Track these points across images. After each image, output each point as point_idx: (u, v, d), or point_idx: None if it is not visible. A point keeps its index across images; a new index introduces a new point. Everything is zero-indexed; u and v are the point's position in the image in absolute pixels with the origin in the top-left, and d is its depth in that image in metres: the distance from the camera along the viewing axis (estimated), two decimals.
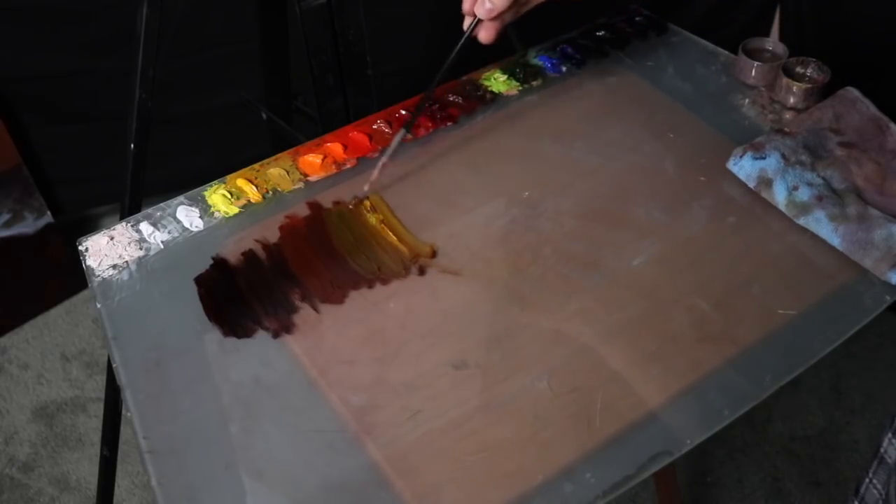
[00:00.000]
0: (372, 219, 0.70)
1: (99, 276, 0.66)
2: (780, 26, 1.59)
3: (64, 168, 1.51)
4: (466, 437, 0.55)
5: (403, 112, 0.80)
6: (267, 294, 0.64)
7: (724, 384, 0.58)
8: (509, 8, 0.68)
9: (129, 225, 0.70)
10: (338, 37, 0.86)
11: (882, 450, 0.66)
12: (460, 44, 0.70)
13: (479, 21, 0.69)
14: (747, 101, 0.83)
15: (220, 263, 0.67)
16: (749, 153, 0.73)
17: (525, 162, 0.76)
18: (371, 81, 0.91)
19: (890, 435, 0.65)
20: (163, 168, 1.17)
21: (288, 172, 0.75)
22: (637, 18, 0.94)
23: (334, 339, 0.62)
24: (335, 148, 0.77)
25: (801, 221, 0.69)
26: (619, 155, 0.77)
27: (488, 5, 0.67)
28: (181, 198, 0.72)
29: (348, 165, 0.76)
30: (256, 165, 0.75)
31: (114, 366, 0.60)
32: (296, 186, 0.74)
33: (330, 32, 0.85)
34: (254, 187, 0.73)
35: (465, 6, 0.70)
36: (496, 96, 0.83)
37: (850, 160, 0.73)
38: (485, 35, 0.70)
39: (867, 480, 0.68)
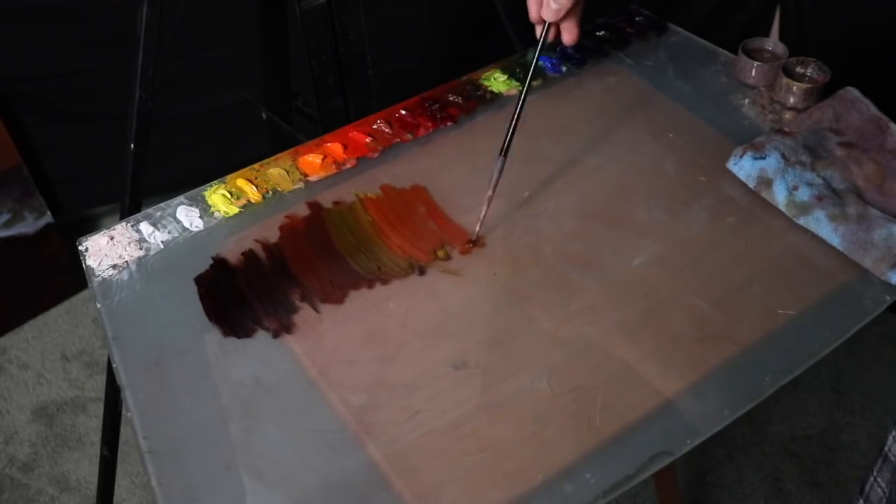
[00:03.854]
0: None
1: (99, 276, 0.66)
2: (780, 26, 1.59)
3: (64, 168, 1.51)
4: (466, 437, 0.55)
5: (403, 112, 0.80)
6: (267, 294, 0.64)
7: (724, 384, 0.58)
8: (576, 4, 0.66)
9: (129, 225, 0.70)
10: (338, 37, 0.86)
11: (886, 448, 0.66)
12: (536, 54, 0.69)
13: (551, 25, 0.68)
14: (747, 101, 0.83)
15: (220, 263, 0.67)
16: (749, 153, 0.73)
17: (525, 162, 0.76)
18: (371, 81, 0.91)
19: (894, 433, 0.65)
20: (163, 168, 1.17)
21: (288, 172, 0.75)
22: (637, 18, 0.94)
23: (334, 339, 0.62)
24: (335, 148, 0.77)
25: (801, 221, 0.69)
26: (619, 155, 0.77)
27: (554, 6, 0.66)
28: (181, 198, 0.72)
29: (348, 165, 0.76)
30: (256, 165, 0.75)
31: (114, 366, 0.60)
32: (296, 186, 0.74)
33: (330, 32, 0.85)
34: (254, 187, 0.73)
35: (532, 14, 0.68)
36: (496, 96, 0.83)
37: (850, 160, 0.73)
38: (568, 37, 0.68)
39: (871, 479, 0.68)
